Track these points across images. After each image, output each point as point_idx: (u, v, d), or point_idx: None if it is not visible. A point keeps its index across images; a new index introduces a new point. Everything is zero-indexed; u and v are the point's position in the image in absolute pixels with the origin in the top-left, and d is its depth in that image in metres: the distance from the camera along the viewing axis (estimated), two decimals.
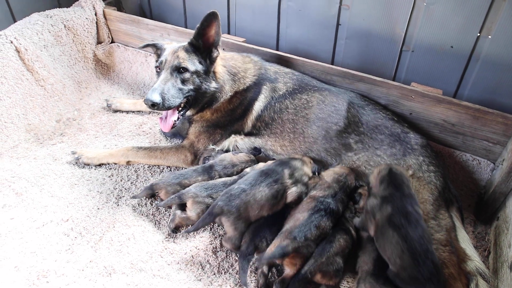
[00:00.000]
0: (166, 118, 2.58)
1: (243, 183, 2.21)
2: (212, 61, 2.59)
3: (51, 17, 3.41)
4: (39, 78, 3.18)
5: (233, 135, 2.75)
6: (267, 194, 2.16)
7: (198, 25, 2.48)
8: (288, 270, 1.95)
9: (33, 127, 3.05)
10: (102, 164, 2.78)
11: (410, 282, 1.78)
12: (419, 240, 1.81)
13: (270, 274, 2.03)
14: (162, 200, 2.43)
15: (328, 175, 2.37)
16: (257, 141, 2.72)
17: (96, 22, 3.73)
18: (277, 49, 3.43)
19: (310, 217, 2.09)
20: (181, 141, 2.88)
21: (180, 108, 2.59)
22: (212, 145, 2.73)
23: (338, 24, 3.09)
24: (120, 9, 3.98)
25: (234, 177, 2.42)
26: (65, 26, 3.46)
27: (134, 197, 2.47)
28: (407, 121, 2.69)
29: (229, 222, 2.10)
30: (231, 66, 2.72)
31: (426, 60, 2.88)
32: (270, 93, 2.71)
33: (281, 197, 2.22)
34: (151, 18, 3.86)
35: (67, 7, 3.64)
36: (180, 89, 2.49)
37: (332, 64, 3.15)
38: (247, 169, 2.47)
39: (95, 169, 2.74)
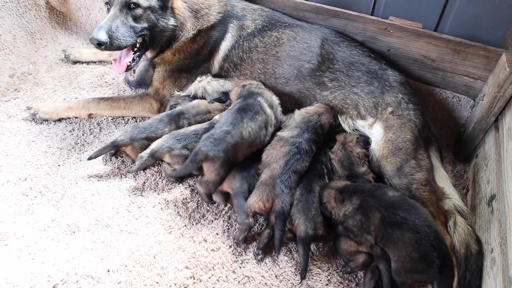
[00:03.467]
0: (120, 59, 2.37)
1: (224, 125, 2.09)
2: None
3: None
4: None
5: (198, 79, 2.57)
6: (254, 128, 2.09)
7: None
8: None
9: None
10: (62, 119, 2.58)
11: (426, 270, 1.70)
12: (426, 222, 1.74)
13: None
14: (127, 155, 2.30)
15: (298, 114, 2.27)
16: (226, 84, 2.56)
17: None
18: None
19: (286, 164, 2.01)
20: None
21: (136, 49, 2.37)
22: (178, 90, 2.55)
23: None
24: None
25: (205, 126, 2.28)
26: None
27: (90, 158, 2.21)
28: (385, 58, 2.57)
29: (214, 167, 2.00)
30: (193, 1, 2.49)
31: None
32: (238, 31, 2.52)
33: (268, 128, 2.18)
34: None
35: None
36: (132, 27, 2.25)
37: None
38: (216, 117, 2.33)
39: (54, 125, 2.55)
